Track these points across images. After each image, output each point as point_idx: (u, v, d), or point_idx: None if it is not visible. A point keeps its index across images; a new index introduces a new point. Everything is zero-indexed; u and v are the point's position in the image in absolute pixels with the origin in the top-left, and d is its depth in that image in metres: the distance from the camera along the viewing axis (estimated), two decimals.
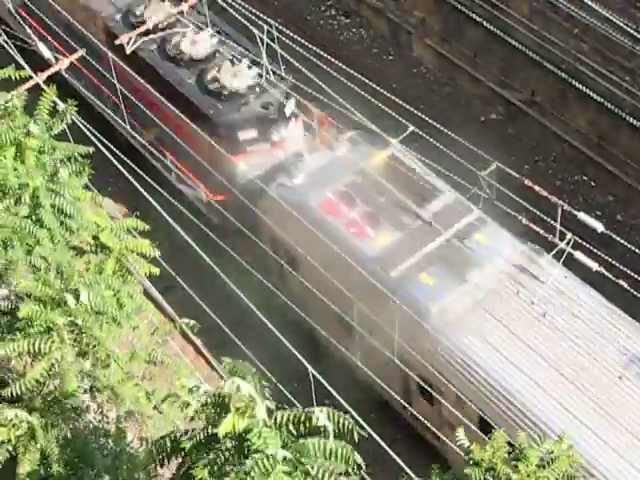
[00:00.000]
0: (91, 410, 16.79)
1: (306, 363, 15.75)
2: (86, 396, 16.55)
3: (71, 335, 15.91)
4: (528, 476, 14.08)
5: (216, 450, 12.39)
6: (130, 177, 18.93)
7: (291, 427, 12.43)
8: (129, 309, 17.18)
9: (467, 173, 22.23)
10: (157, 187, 20.36)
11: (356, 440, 12.50)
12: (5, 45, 22.10)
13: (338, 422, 12.45)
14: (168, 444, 13.02)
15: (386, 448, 14.91)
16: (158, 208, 18.52)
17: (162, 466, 13.12)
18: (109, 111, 26.86)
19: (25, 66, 19.64)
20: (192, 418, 12.74)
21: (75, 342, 15.95)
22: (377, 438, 14.57)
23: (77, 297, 15.90)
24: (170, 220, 18.67)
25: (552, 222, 21.28)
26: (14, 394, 15.59)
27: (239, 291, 17.30)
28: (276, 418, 12.41)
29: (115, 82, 25.49)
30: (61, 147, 17.87)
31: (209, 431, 12.57)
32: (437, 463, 15.50)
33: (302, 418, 12.43)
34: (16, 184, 17.01)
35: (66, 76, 24.21)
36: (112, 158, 18.92)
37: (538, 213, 21.84)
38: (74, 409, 16.01)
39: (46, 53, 24.80)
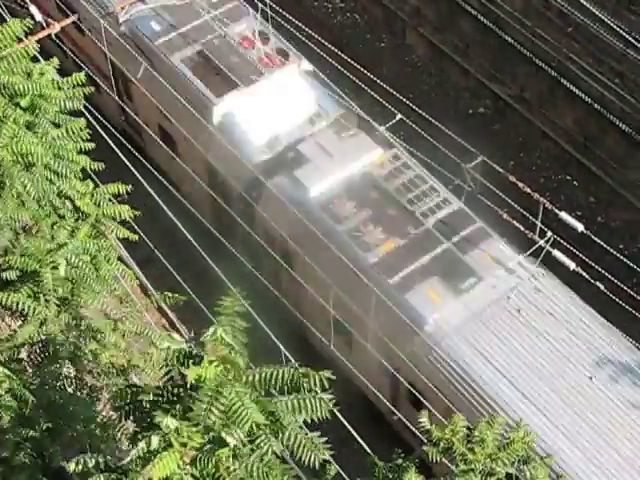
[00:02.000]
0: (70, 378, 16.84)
1: (282, 347, 15.82)
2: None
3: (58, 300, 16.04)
4: (484, 457, 14.40)
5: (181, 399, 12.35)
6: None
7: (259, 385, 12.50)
8: (106, 274, 17.20)
9: (452, 165, 22.29)
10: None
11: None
12: None
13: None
14: (129, 394, 12.90)
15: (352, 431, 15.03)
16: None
17: (126, 419, 12.95)
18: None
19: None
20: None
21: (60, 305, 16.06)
22: (343, 420, 14.66)
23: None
24: (147, 186, 18.80)
25: (533, 219, 21.36)
26: None
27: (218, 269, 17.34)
28: (248, 376, 12.42)
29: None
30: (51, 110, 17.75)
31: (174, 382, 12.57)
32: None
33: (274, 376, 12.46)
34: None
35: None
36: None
37: (520, 209, 21.92)
38: (57, 374, 16.08)
39: (37, 16, 24.61)
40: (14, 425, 15.14)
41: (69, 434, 15.65)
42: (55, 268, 16.22)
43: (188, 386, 12.10)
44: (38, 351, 16.72)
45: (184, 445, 11.98)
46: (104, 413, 16.52)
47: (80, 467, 12.39)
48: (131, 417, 12.92)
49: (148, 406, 12.66)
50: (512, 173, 22.41)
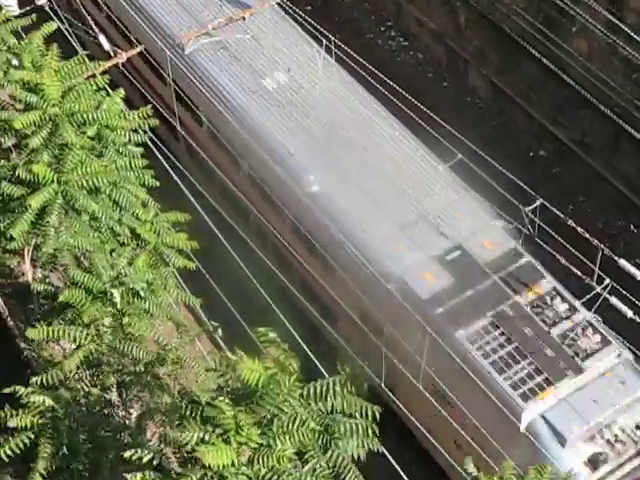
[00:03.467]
0: (116, 405, 16.95)
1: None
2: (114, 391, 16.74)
3: (109, 328, 16.20)
4: None
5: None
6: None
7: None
8: (162, 302, 17.38)
9: (510, 207, 22.17)
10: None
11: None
12: (68, 35, 22.33)
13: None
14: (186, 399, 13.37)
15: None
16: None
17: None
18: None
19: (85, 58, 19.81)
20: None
21: (112, 334, 16.23)
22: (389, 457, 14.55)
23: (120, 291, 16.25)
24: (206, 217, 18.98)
25: (591, 265, 21.12)
26: (46, 382, 15.80)
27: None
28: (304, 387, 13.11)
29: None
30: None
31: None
32: None
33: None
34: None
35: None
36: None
37: (578, 254, 21.70)
38: (105, 402, 16.22)
39: (106, 45, 25.09)
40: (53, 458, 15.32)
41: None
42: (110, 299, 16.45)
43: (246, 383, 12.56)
44: (88, 377, 16.87)
45: (241, 444, 12.29)
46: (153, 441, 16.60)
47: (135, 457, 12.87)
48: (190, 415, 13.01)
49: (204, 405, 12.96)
50: (571, 217, 22.23)
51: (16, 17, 20.28)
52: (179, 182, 20.00)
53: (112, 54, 25.63)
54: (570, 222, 21.47)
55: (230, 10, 27.08)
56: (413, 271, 21.68)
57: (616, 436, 19.79)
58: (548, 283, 21.53)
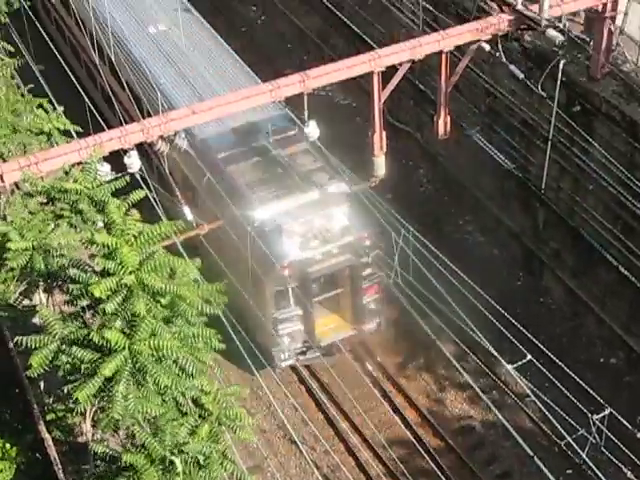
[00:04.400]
0: None
1: None
2: None
3: None
4: None
5: None
6: None
7: None
8: (217, 476, 17.26)
9: (577, 413, 21.79)
10: None
11: None
12: (154, 202, 23.01)
13: None
14: None
15: None
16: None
17: None
18: None
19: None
20: None
21: None
22: None
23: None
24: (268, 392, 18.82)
25: None
26: None
27: None
28: None
29: None
30: None
31: None
32: None
33: None
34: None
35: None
36: None
37: None
38: None
39: (189, 216, 25.81)
40: None
41: None
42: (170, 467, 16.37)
43: None
44: None
45: None
46: None
47: None
48: None
49: None
50: None
51: (108, 182, 21.00)
52: None
53: (195, 225, 26.36)
54: (639, 435, 20.99)
55: None
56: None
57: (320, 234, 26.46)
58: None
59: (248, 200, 27.05)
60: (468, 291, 24.64)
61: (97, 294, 16.68)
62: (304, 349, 27.75)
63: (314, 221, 26.46)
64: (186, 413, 17.94)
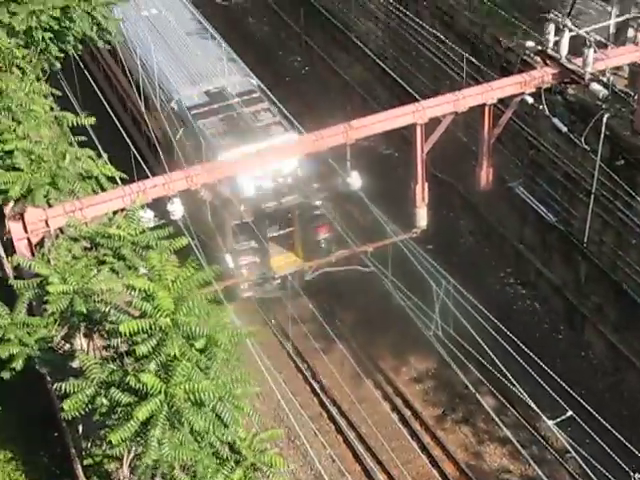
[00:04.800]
0: None
1: None
2: None
3: None
4: None
5: None
6: None
7: None
8: None
9: (620, 472, 21.50)
10: None
11: None
12: (196, 249, 23.14)
13: None
14: None
15: None
16: None
17: None
18: None
19: None
20: None
21: None
22: None
23: None
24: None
25: None
26: None
27: None
28: None
29: None
30: None
31: None
32: None
33: None
34: None
35: None
36: None
37: None
38: None
39: (230, 264, 25.94)
40: None
41: None
42: None
43: None
44: None
45: None
46: None
47: None
48: None
49: None
50: None
51: (151, 229, 21.21)
52: None
53: (234, 273, 26.49)
54: None
55: None
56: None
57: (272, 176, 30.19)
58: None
59: (213, 147, 30.76)
60: (508, 344, 24.48)
61: (122, 331, 16.76)
62: (261, 281, 30.96)
63: (267, 165, 28.99)
64: (222, 459, 17.93)
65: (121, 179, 24.68)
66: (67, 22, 24.60)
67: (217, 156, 29.66)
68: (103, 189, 23.39)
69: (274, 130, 31.45)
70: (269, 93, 32.84)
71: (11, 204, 22.36)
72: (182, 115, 32.85)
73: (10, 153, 21.86)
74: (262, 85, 33.88)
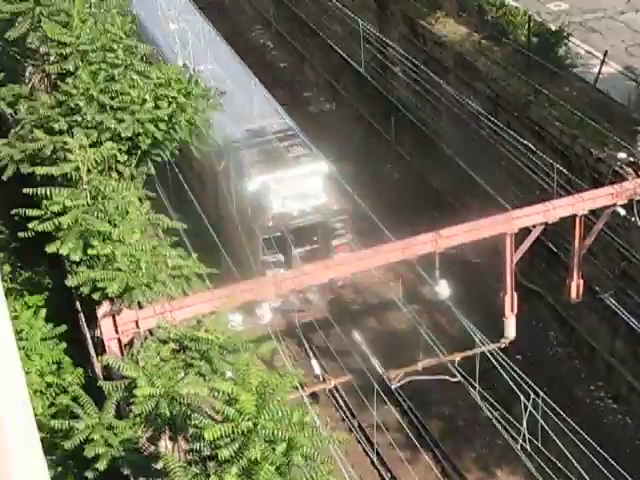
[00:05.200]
0: None
1: None
2: None
3: None
4: None
5: None
6: None
7: None
8: None
9: None
10: None
11: None
12: (282, 354, 23.26)
13: None
14: None
15: None
16: None
17: None
18: None
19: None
20: None
21: None
22: None
23: None
24: None
25: None
26: None
27: None
28: None
29: None
30: None
31: None
32: None
33: None
34: None
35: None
36: None
37: None
38: None
39: (317, 369, 25.95)
40: None
41: None
42: None
43: None
44: None
45: None
46: None
47: None
48: None
49: None
50: None
51: (239, 332, 21.37)
52: None
53: (321, 379, 26.47)
54: None
55: None
56: None
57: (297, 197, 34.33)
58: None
59: (249, 172, 34.81)
60: (598, 459, 23.88)
61: (207, 437, 16.78)
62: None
63: (294, 187, 33.88)
64: None
65: (209, 278, 24.96)
66: (171, 132, 25.26)
67: (253, 179, 34.47)
68: (191, 287, 23.67)
69: (303, 159, 35.48)
70: (301, 132, 37.25)
71: (106, 304, 22.77)
72: (227, 148, 36.04)
73: (106, 255, 22.32)
74: (295, 125, 37.97)
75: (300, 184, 34.11)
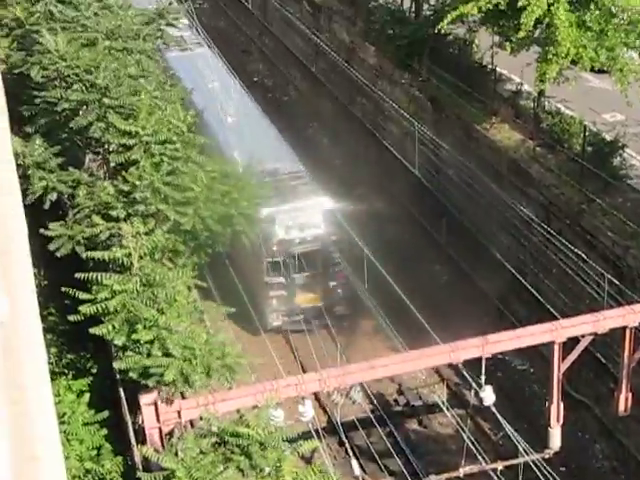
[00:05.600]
0: None
1: None
2: None
3: None
4: None
5: None
6: None
7: None
8: None
9: None
10: None
11: None
12: (323, 454, 23.01)
13: None
14: None
15: None
16: None
17: None
18: None
19: None
20: None
21: None
22: None
23: None
24: None
25: None
26: None
27: None
28: None
29: None
30: None
31: None
32: None
33: None
34: None
35: None
36: None
37: None
38: None
39: (356, 470, 25.62)
40: None
41: None
42: None
43: None
44: None
45: None
46: None
47: None
48: None
49: None
50: None
51: (280, 428, 21.19)
52: None
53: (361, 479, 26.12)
54: None
55: None
56: None
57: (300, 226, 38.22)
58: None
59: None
60: None
61: None
62: (289, 313, 38.51)
63: (297, 218, 38.03)
64: None
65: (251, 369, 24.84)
66: (227, 227, 25.78)
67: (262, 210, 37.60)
68: (234, 378, 23.59)
69: (307, 196, 39.49)
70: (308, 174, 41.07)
71: (153, 392, 22.72)
72: None
73: (151, 342, 22.36)
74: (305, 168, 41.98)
75: (301, 216, 38.36)
